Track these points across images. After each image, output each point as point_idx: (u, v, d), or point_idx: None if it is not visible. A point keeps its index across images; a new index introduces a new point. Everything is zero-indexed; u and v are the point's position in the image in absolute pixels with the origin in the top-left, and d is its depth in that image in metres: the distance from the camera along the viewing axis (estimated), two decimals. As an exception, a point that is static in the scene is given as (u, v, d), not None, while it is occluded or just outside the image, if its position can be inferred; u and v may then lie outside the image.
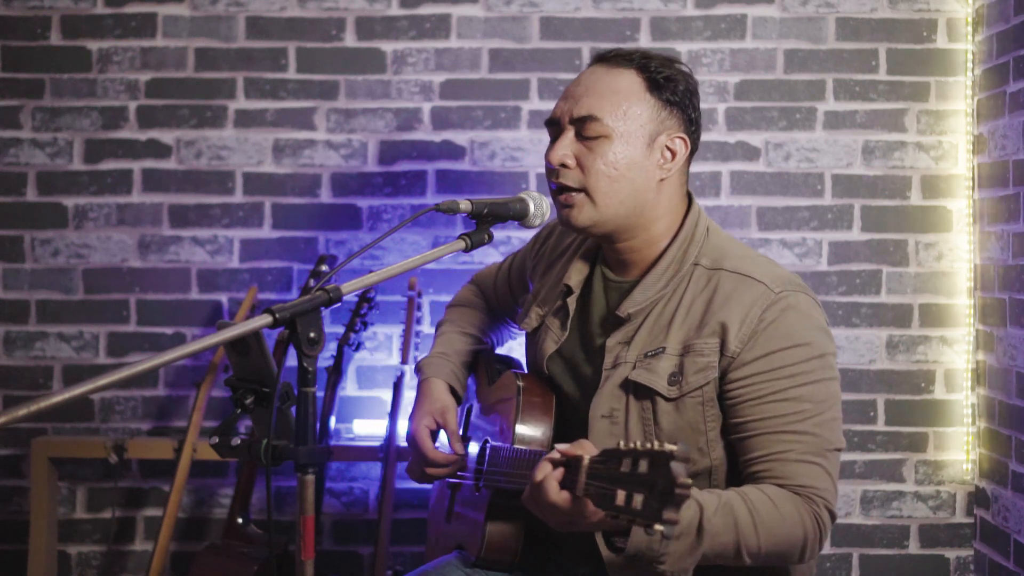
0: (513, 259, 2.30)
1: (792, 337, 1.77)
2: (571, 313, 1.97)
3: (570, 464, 1.53)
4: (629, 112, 1.84)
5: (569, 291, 1.98)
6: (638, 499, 1.35)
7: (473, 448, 2.09)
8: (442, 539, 2.18)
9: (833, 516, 1.76)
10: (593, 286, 1.98)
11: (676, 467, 1.32)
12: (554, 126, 1.90)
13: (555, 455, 1.58)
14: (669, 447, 1.34)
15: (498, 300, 2.32)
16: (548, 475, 1.55)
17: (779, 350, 1.76)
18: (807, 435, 1.75)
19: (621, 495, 1.38)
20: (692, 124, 1.92)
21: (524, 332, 2.17)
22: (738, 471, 1.80)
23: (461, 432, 2.13)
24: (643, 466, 1.36)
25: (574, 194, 1.85)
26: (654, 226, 1.89)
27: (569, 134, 1.86)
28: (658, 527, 1.33)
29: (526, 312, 2.09)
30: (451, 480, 2.14)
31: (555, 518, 1.57)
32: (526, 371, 2.10)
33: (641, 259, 1.91)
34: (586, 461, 1.48)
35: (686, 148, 1.91)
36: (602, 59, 1.91)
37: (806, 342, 1.78)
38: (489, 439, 2.02)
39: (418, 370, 2.19)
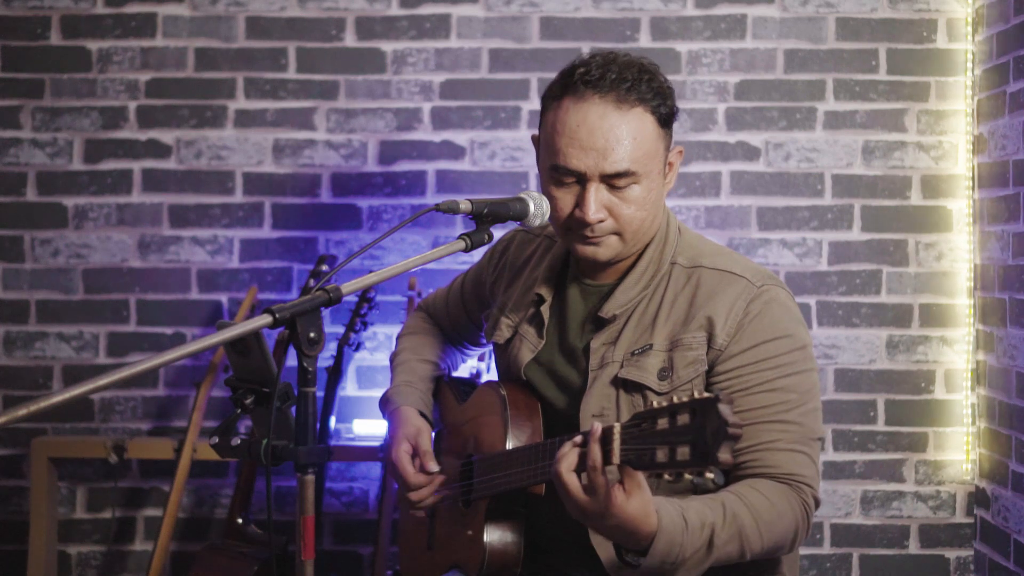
0: (464, 279, 2.29)
1: (776, 329, 1.81)
2: (546, 321, 1.98)
3: (602, 436, 1.52)
4: (650, 152, 1.83)
5: (541, 300, 1.99)
6: (683, 451, 1.37)
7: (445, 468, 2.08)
8: (426, 568, 2.15)
9: (817, 503, 1.80)
10: (567, 292, 1.99)
11: (724, 408, 1.34)
12: (569, 175, 1.84)
13: (577, 437, 1.58)
14: (707, 394, 1.37)
15: (451, 322, 2.31)
16: (581, 452, 1.55)
17: (765, 342, 1.80)
18: (793, 424, 1.78)
19: (663, 452, 1.39)
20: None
21: (486, 348, 2.17)
22: None
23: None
24: (683, 419, 1.38)
25: (603, 236, 1.85)
26: (651, 237, 1.92)
27: (597, 185, 1.82)
28: (709, 474, 1.34)
29: (494, 325, 2.08)
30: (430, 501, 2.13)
31: (586, 504, 1.57)
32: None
33: (620, 264, 1.93)
34: (618, 427, 1.49)
35: (680, 157, 1.93)
36: (599, 92, 1.81)
37: (789, 334, 1.82)
38: (473, 455, 2.02)
39: (385, 402, 2.17)
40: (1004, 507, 3.11)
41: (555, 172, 1.85)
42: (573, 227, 1.86)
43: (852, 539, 3.33)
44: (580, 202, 1.82)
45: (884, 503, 3.33)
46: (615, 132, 1.80)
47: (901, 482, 3.32)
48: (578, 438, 1.58)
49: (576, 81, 1.83)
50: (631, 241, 1.87)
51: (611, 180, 1.81)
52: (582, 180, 1.82)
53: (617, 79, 1.82)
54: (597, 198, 1.81)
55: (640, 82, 1.83)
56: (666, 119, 1.86)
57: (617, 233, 1.85)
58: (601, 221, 1.83)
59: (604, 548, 1.76)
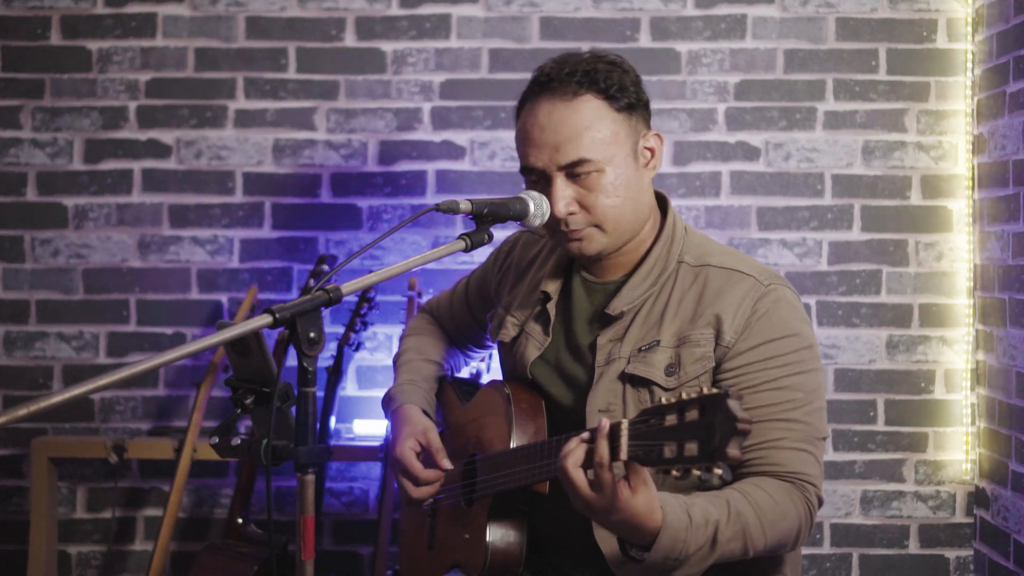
0: (468, 280, 2.30)
1: (784, 328, 1.82)
2: (552, 318, 1.99)
3: (610, 432, 1.52)
4: (608, 139, 1.84)
5: (548, 297, 2.00)
6: (691, 447, 1.37)
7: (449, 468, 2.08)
8: (426, 568, 2.15)
9: (821, 502, 1.81)
10: (573, 289, 1.99)
11: (733, 403, 1.34)
12: (533, 174, 1.87)
13: (584, 434, 1.58)
14: (715, 389, 1.37)
15: (455, 323, 2.32)
16: (590, 447, 1.54)
17: (772, 340, 1.80)
18: (798, 423, 1.79)
19: (670, 448, 1.39)
20: (647, 110, 1.93)
21: (490, 350, 2.20)
22: None
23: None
24: (692, 415, 1.38)
25: (582, 230, 1.86)
26: (643, 227, 1.93)
27: (561, 180, 1.84)
28: (717, 470, 1.34)
29: (500, 324, 2.09)
30: (436, 499, 2.13)
31: (592, 500, 1.57)
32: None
33: (625, 261, 1.94)
34: (626, 424, 1.49)
35: (660, 142, 1.93)
36: (549, 90, 1.86)
37: (796, 332, 1.83)
38: (476, 454, 2.02)
39: (388, 400, 2.17)
40: (1004, 507, 3.11)
41: (524, 175, 1.89)
42: (551, 227, 1.88)
43: (852, 539, 3.33)
44: (549, 200, 1.85)
45: (884, 503, 3.33)
46: (564, 124, 1.83)
47: (901, 482, 3.32)
48: (585, 434, 1.58)
49: (531, 86, 1.89)
50: (614, 231, 1.87)
51: (571, 171, 1.83)
52: (546, 178, 1.85)
53: (568, 74, 1.85)
54: (562, 193, 1.84)
55: (593, 72, 1.86)
56: (628, 106, 1.87)
57: (596, 225, 1.86)
58: (572, 214, 1.85)
59: (608, 543, 1.77)
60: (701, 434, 1.36)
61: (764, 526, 1.70)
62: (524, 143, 1.87)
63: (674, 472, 1.40)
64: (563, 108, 1.84)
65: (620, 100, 1.85)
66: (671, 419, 1.41)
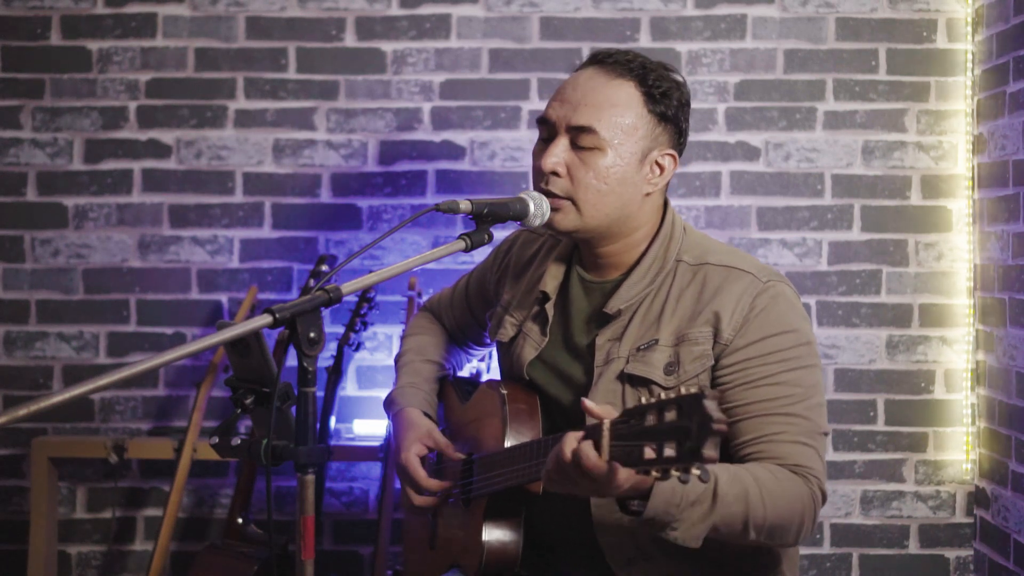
0: (469, 279, 2.30)
1: (782, 324, 1.82)
2: (550, 318, 1.99)
3: (592, 431, 1.53)
4: (626, 127, 1.85)
5: (546, 297, 2.00)
6: (669, 448, 1.37)
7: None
8: (427, 567, 2.16)
9: (824, 496, 1.80)
10: (571, 289, 1.99)
11: (709, 404, 1.34)
12: (546, 126, 1.90)
13: (577, 432, 1.58)
14: (693, 389, 1.37)
15: (456, 322, 2.32)
16: (579, 446, 1.55)
17: (771, 336, 1.81)
18: (798, 418, 1.78)
19: (650, 449, 1.40)
20: (681, 137, 1.95)
21: (491, 348, 2.22)
22: (729, 458, 1.81)
23: (434, 457, 2.12)
24: (671, 415, 1.38)
25: (560, 200, 1.87)
26: (635, 233, 1.93)
27: (563, 141, 1.86)
28: (695, 471, 1.35)
29: (498, 324, 2.09)
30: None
31: (585, 487, 1.57)
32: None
33: (621, 261, 1.94)
34: (607, 424, 1.49)
35: (674, 165, 1.93)
36: (600, 62, 1.90)
37: (794, 329, 1.83)
38: (474, 454, 2.02)
39: (389, 403, 2.18)
40: (1004, 507, 3.11)
41: (538, 127, 1.92)
42: (535, 180, 1.89)
43: (852, 539, 3.33)
44: (543, 154, 1.88)
45: (884, 503, 3.33)
46: (594, 92, 1.86)
47: (901, 482, 3.32)
48: (579, 434, 1.58)
49: (588, 58, 1.93)
50: (589, 216, 1.87)
51: (576, 137, 1.85)
52: (553, 135, 1.87)
53: (627, 60, 1.88)
54: (557, 151, 1.86)
55: (648, 70, 1.88)
56: (662, 115, 1.88)
57: (572, 199, 1.86)
58: (555, 174, 1.85)
59: (611, 543, 1.77)
60: (679, 435, 1.36)
61: (764, 497, 1.68)
62: (553, 96, 1.90)
63: (654, 472, 1.40)
64: (602, 80, 1.87)
65: (658, 104, 1.87)
66: (651, 420, 1.41)
